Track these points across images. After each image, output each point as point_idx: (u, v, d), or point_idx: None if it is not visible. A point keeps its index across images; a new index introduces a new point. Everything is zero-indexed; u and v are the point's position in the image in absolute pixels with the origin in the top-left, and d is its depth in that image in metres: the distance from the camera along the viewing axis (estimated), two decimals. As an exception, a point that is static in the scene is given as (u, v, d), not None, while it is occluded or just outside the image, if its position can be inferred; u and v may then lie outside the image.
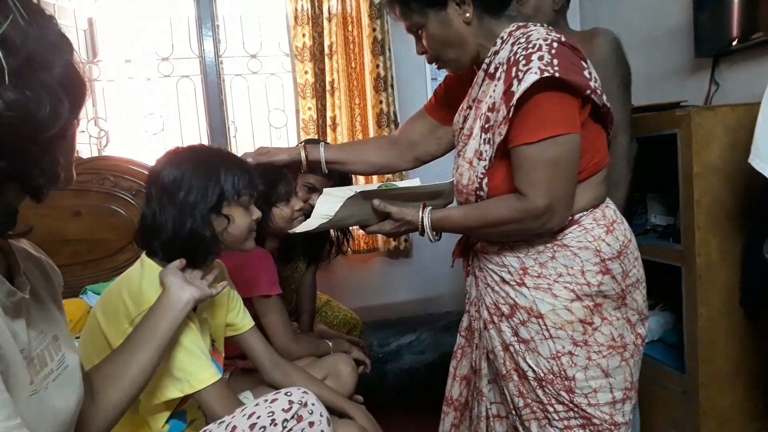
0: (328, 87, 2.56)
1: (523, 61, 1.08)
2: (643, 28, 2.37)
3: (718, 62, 2.02)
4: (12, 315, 0.72)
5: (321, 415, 1.04)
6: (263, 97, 2.76)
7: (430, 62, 1.28)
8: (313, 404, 1.03)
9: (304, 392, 1.05)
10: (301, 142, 1.41)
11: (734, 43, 1.88)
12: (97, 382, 0.95)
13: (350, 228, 2.17)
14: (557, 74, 1.04)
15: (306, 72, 2.57)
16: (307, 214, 1.90)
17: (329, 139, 2.53)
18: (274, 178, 1.64)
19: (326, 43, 2.54)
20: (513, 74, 1.09)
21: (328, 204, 1.27)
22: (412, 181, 1.41)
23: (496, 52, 1.20)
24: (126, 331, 1.10)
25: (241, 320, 1.40)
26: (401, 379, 2.78)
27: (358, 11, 2.60)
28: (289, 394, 1.03)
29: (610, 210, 1.22)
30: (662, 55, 2.29)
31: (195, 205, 1.16)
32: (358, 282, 2.80)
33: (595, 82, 1.12)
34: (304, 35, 2.55)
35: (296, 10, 2.53)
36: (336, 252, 2.12)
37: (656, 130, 1.75)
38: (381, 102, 2.61)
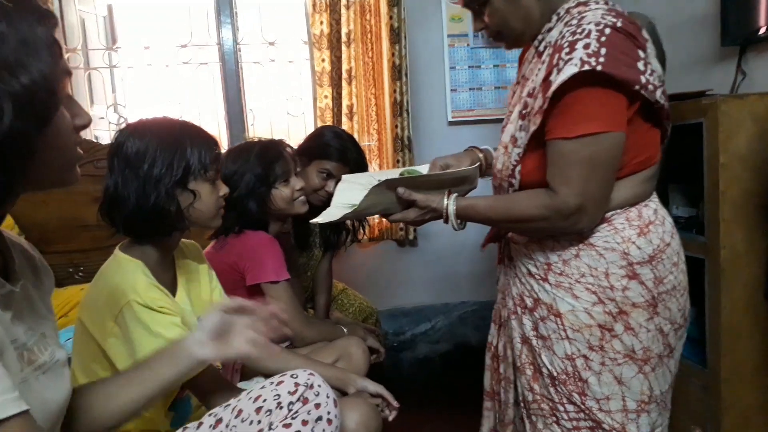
0: (345, 75, 2.54)
1: (567, 49, 1.00)
2: (667, 15, 2.32)
3: (745, 51, 1.96)
4: (2, 306, 0.72)
5: (327, 397, 1.03)
6: (281, 84, 2.75)
7: (489, 37, 1.23)
8: (319, 386, 1.02)
9: (310, 374, 1.03)
10: (468, 147, 1.34)
11: (762, 31, 1.83)
12: (88, 398, 0.93)
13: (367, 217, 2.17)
14: (599, 67, 0.97)
15: (323, 60, 2.55)
16: (325, 201, 1.89)
17: (345, 128, 2.52)
18: (271, 158, 1.60)
19: (344, 30, 2.53)
20: (555, 61, 1.02)
21: (349, 192, 1.24)
22: (420, 167, 1.37)
23: (549, 29, 1.13)
24: (111, 329, 1.09)
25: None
26: (416, 369, 2.78)
27: (376, -1, 2.58)
28: (294, 376, 1.02)
29: (648, 210, 1.13)
30: (687, 43, 2.24)
31: (159, 178, 1.12)
32: (373, 270, 2.79)
33: (650, 74, 1.03)
34: (321, 23, 2.53)
35: (315, -4, 2.52)
36: (352, 239, 2.12)
37: (681, 119, 1.71)
38: (395, 91, 2.59)
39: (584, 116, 1.01)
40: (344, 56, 2.53)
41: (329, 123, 2.55)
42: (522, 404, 1.22)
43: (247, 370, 1.44)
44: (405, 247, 2.80)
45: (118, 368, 1.10)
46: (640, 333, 1.10)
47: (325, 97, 2.57)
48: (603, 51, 0.98)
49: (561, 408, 1.14)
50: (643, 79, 1.02)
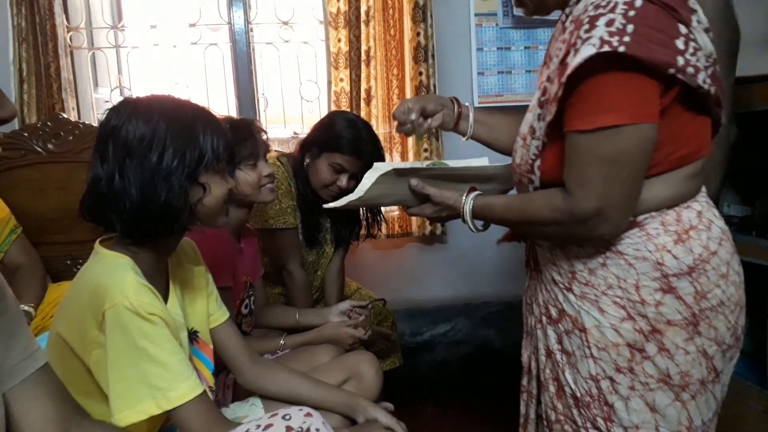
0: (363, 56, 2.35)
1: (587, 25, 0.86)
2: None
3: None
4: None
5: None
6: (295, 67, 2.58)
7: None
8: (317, 429, 0.85)
9: (307, 414, 0.86)
10: (450, 97, 1.28)
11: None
12: None
13: (382, 210, 2.00)
14: (622, 48, 0.82)
15: (339, 40, 2.37)
16: (336, 196, 1.73)
17: (363, 114, 2.34)
18: (238, 137, 1.40)
19: (363, 8, 2.33)
20: (573, 40, 0.88)
21: (368, 180, 1.12)
22: (473, 161, 1.25)
23: (578, 1, 0.98)
24: (96, 338, 0.92)
25: (218, 309, 1.22)
26: (434, 372, 2.62)
27: (399, -27, 2.38)
28: (287, 417, 0.86)
29: (690, 212, 0.98)
30: (754, 19, 2.01)
31: (171, 170, 0.96)
32: (390, 268, 2.61)
33: (692, 54, 0.88)
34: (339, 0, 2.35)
35: (332, -29, 2.33)
36: (365, 235, 1.96)
37: (747, 105, 1.50)
38: (420, 74, 2.39)
39: (603, 106, 0.87)
40: (363, 36, 2.34)
41: (345, 108, 2.36)
42: (545, 423, 1.11)
43: (241, 390, 1.28)
44: (426, 244, 2.62)
45: (105, 391, 0.93)
46: (677, 355, 0.97)
47: (341, 80, 2.39)
48: (630, 28, 0.83)
49: None
50: (680, 61, 0.86)
